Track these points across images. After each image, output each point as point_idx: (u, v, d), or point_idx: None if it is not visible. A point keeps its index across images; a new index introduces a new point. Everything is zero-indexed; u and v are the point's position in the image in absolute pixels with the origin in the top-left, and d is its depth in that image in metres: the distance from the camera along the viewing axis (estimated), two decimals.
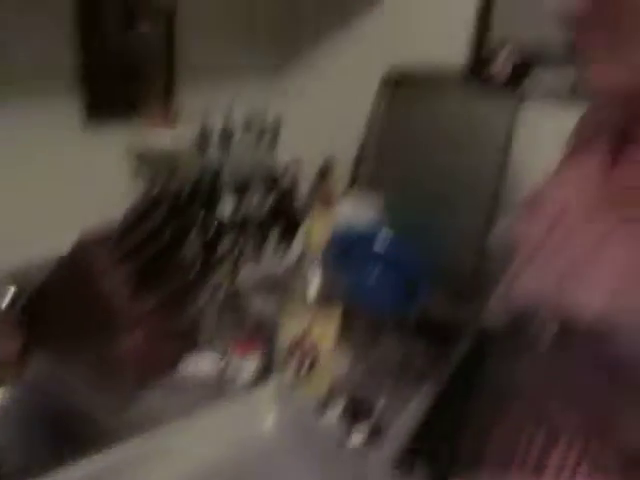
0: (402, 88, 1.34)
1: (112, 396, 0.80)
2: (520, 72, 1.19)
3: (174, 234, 0.74)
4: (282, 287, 0.75)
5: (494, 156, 1.20)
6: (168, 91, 1.19)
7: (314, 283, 0.73)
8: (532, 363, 0.64)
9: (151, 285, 0.77)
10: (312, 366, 0.75)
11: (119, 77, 1.09)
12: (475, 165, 1.24)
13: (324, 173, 1.35)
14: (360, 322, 0.92)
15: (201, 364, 0.86)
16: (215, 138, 1.17)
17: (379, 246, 1.00)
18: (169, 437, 0.67)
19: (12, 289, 0.84)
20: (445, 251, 1.15)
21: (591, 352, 0.54)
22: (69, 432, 0.80)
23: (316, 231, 0.71)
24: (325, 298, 0.73)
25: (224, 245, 0.83)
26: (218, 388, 0.84)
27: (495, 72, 1.22)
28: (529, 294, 0.58)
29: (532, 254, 0.61)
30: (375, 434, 0.78)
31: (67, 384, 0.82)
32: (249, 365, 0.87)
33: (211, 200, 0.81)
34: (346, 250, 0.90)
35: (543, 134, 0.75)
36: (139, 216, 0.75)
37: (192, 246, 0.73)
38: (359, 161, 1.37)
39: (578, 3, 0.50)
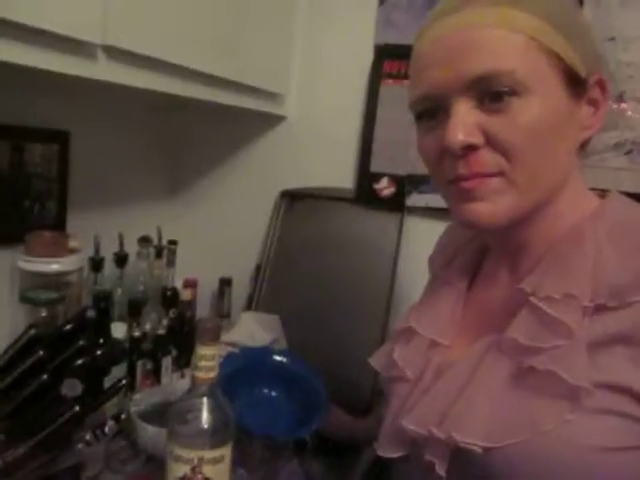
0: (296, 205, 1.42)
1: None
2: (400, 196, 1.31)
3: (55, 370, 0.71)
4: (172, 421, 0.72)
5: (384, 267, 1.28)
6: (60, 217, 1.17)
7: (204, 416, 0.71)
8: None
9: (28, 427, 0.72)
10: None
11: (8, 200, 1.07)
12: (367, 277, 1.31)
13: (221, 293, 1.36)
14: (257, 447, 0.90)
15: None
16: (108, 261, 1.16)
17: (275, 364, 1.00)
18: None
19: None
20: (345, 364, 1.18)
21: (480, 469, 0.56)
22: None
23: (205, 364, 0.71)
24: (217, 432, 0.72)
25: (116, 372, 0.80)
26: None
27: (380, 192, 1.32)
28: (417, 429, 0.60)
29: (414, 385, 0.64)
30: None
31: None
32: None
33: (102, 326, 0.79)
34: (240, 370, 0.90)
35: (425, 244, 0.82)
36: (18, 355, 0.72)
37: (74, 386, 0.70)
38: (255, 280, 1.40)
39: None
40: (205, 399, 0.71)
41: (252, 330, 1.17)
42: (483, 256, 0.73)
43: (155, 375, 1.13)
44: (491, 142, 0.55)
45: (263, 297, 1.36)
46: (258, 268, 1.42)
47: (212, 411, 0.71)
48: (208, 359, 0.71)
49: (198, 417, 0.70)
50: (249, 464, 0.89)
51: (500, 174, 0.56)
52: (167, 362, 1.15)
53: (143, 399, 1.00)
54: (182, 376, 1.17)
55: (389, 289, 1.27)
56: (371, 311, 1.28)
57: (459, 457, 0.57)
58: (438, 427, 0.57)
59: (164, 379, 1.14)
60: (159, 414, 0.97)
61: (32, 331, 0.68)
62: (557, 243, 0.59)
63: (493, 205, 0.56)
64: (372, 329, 1.25)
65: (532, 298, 0.56)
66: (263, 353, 1.02)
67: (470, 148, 0.55)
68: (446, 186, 0.60)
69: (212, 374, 0.71)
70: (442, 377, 0.62)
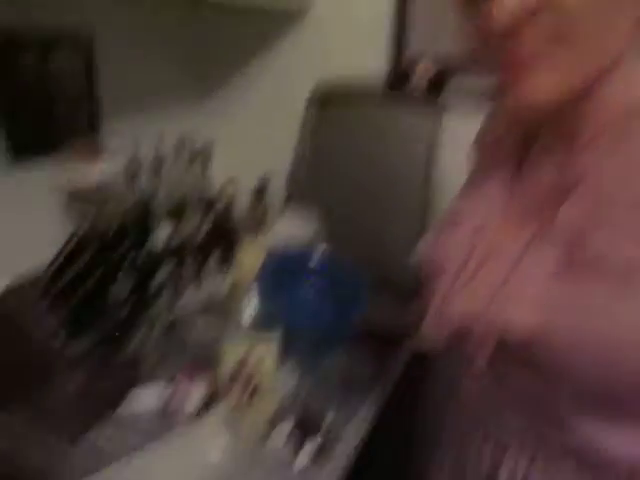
0: (327, 106, 1.38)
1: (56, 440, 0.78)
2: (438, 83, 1.24)
3: (104, 272, 0.74)
4: (220, 315, 0.76)
5: (420, 165, 1.25)
6: (92, 123, 1.17)
7: (251, 306, 0.74)
8: (473, 379, 0.67)
9: (85, 325, 0.76)
10: (255, 390, 0.76)
11: (40, 113, 1.07)
12: (404, 171, 1.29)
13: (260, 192, 1.37)
14: (302, 340, 0.93)
15: (145, 398, 0.85)
16: (145, 167, 1.17)
17: (315, 262, 1.02)
18: (118, 475, 0.66)
19: None
20: (384, 261, 1.19)
21: (528, 362, 0.57)
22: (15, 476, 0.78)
23: (250, 254, 0.72)
24: (263, 320, 0.75)
25: (161, 274, 0.83)
26: (164, 421, 0.84)
27: (414, 85, 1.26)
28: (461, 315, 0.59)
29: (457, 273, 0.63)
30: (323, 451, 0.79)
31: (10, 433, 0.80)
32: (195, 394, 0.87)
33: (144, 231, 0.81)
34: (282, 269, 0.92)
35: (465, 140, 0.79)
36: (68, 258, 0.75)
37: (124, 282, 0.73)
38: (292, 179, 1.39)
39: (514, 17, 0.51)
40: (249, 295, 0.74)
41: (291, 230, 1.18)
42: (529, 143, 0.70)
43: (198, 277, 1.17)
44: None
45: (301, 196, 1.36)
46: (294, 168, 1.40)
47: (258, 303, 0.74)
48: (252, 251, 0.72)
49: (245, 310, 0.73)
50: (294, 356, 0.94)
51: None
52: (209, 264, 1.18)
53: (191, 297, 1.04)
54: (224, 278, 1.21)
55: (426, 183, 1.25)
56: (408, 206, 1.27)
57: (502, 346, 0.57)
58: (484, 313, 0.57)
59: (207, 280, 1.18)
60: (207, 310, 1.01)
61: (78, 235, 0.70)
62: (616, 121, 0.55)
63: (547, 80, 0.52)
64: (410, 223, 1.24)
65: (583, 181, 0.54)
66: (303, 252, 1.04)
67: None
68: (494, 65, 0.56)
69: (257, 267, 0.73)
70: (487, 264, 0.61)
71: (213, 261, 1.20)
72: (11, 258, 0.86)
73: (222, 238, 1.22)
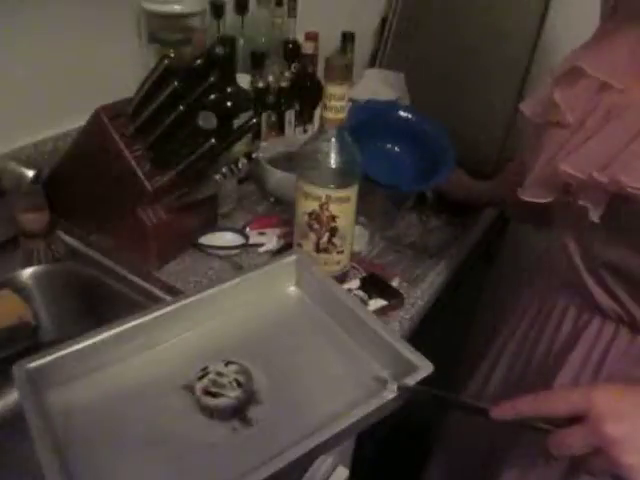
0: None
1: (137, 267, 0.83)
2: None
3: (188, 106, 0.72)
4: (301, 161, 0.74)
5: (527, 23, 1.12)
6: None
7: (332, 157, 0.71)
8: (565, 246, 0.64)
9: (169, 158, 0.77)
10: (330, 240, 0.76)
11: None
12: (507, 35, 1.17)
13: (345, 46, 1.28)
14: (379, 197, 0.91)
15: (222, 238, 0.87)
16: (228, 9, 1.11)
17: (401, 119, 0.96)
18: (194, 307, 0.69)
19: (32, 170, 0.85)
20: (472, 126, 1.12)
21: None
22: (97, 303, 0.84)
23: (334, 104, 0.68)
24: (344, 174, 0.72)
25: (242, 118, 0.81)
26: (239, 261, 0.86)
27: None
28: (576, 173, 0.56)
29: (575, 129, 0.58)
30: (385, 312, 0.80)
31: (95, 256, 0.85)
32: (269, 239, 0.89)
33: (228, 70, 0.77)
34: (368, 121, 0.87)
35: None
36: (152, 89, 0.73)
37: (207, 119, 0.72)
38: (380, 35, 1.29)
39: None
40: (334, 140, 0.71)
41: (375, 87, 1.12)
42: None
43: (279, 128, 1.15)
44: None
45: (388, 54, 1.27)
46: (383, 22, 1.30)
47: (340, 152, 0.71)
48: (337, 98, 0.68)
49: (327, 157, 0.71)
50: (370, 213, 0.92)
51: None
52: (290, 116, 1.15)
53: (269, 147, 1.03)
54: (304, 131, 1.18)
55: (531, 49, 1.13)
56: (507, 74, 1.17)
57: (616, 204, 0.53)
58: (602, 171, 0.53)
59: (287, 132, 1.16)
60: (286, 161, 1.00)
61: (166, 61, 0.68)
62: None
63: None
64: (506, 93, 1.15)
65: None
66: (389, 107, 0.98)
67: None
68: None
69: (341, 115, 0.69)
70: (611, 122, 0.55)
71: (292, 112, 1.17)
72: (96, 90, 0.86)
73: (304, 89, 1.17)
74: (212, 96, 0.71)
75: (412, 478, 1.00)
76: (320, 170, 0.72)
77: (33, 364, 0.59)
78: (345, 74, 0.67)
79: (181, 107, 0.68)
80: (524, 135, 0.71)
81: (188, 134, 0.72)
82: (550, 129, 0.61)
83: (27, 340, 0.81)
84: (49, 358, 0.60)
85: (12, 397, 0.82)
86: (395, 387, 0.57)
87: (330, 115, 0.69)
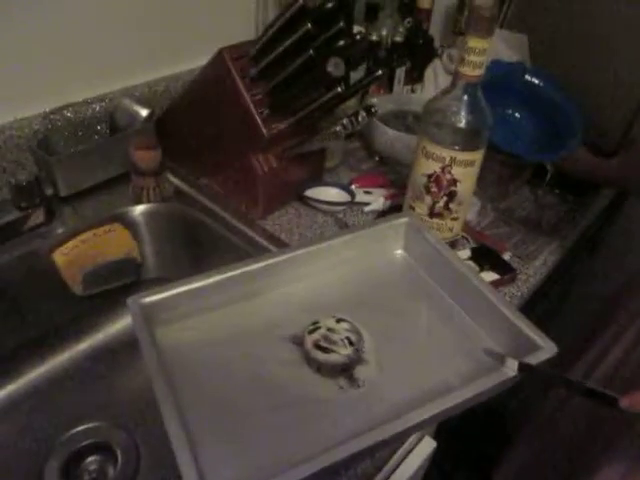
0: None
1: (242, 213, 0.82)
2: None
3: (320, 48, 0.69)
4: (426, 118, 0.69)
5: None
6: None
7: (462, 116, 0.67)
8: None
9: (288, 105, 0.74)
10: (447, 205, 0.72)
11: None
12: None
13: (461, 5, 1.21)
14: (496, 164, 0.86)
15: (327, 193, 0.85)
16: None
17: (527, 84, 0.89)
18: (301, 260, 0.68)
19: (146, 109, 0.85)
20: (597, 100, 1.03)
21: None
22: (200, 245, 0.84)
23: (474, 59, 0.63)
24: (472, 136, 0.68)
25: (359, 70, 0.77)
26: (343, 218, 0.84)
27: None
28: None
29: None
30: (501, 284, 0.76)
31: (202, 199, 0.85)
32: (375, 199, 0.86)
33: (348, 20, 0.73)
34: (487, 86, 0.81)
35: None
36: (284, 28, 0.71)
37: (338, 65, 0.68)
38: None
39: None
40: (466, 98, 0.66)
41: (496, 49, 1.04)
42: None
43: (388, 85, 1.10)
44: None
45: (511, 15, 1.18)
46: None
47: (471, 112, 0.66)
48: (478, 54, 0.63)
49: (456, 116, 0.66)
50: (484, 181, 0.87)
51: None
52: (400, 73, 1.10)
53: (379, 104, 0.98)
54: (413, 90, 1.13)
55: None
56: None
57: None
58: None
59: (396, 90, 1.11)
60: (394, 119, 0.96)
61: (301, 1, 0.65)
62: None
63: None
64: (637, 66, 1.04)
65: None
66: (515, 70, 0.91)
67: None
68: None
69: (479, 72, 0.64)
70: None
71: (402, 73, 1.12)
72: (212, 34, 0.84)
73: (416, 46, 1.12)
74: (341, 42, 0.68)
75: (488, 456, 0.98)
76: (447, 129, 0.67)
77: (147, 299, 0.60)
78: (490, 26, 0.61)
79: (311, 51, 0.65)
80: None
81: (311, 80, 0.69)
82: None
83: (131, 276, 0.83)
84: (162, 295, 0.60)
85: (113, 328, 0.85)
86: (516, 365, 0.54)
87: (467, 71, 0.64)
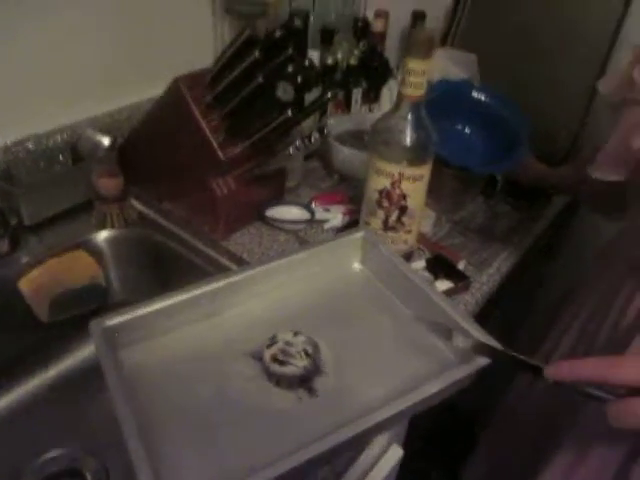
0: None
1: (204, 235, 0.84)
2: None
3: (269, 75, 0.72)
4: (375, 137, 0.73)
5: (608, 22, 1.07)
6: None
7: (408, 134, 0.70)
8: None
9: (244, 129, 0.77)
10: (399, 219, 0.75)
11: None
12: (586, 18, 1.11)
13: (414, 26, 1.26)
14: (449, 178, 0.90)
15: (288, 212, 0.88)
16: None
17: (474, 100, 0.94)
18: (260, 277, 0.70)
19: (108, 138, 0.88)
20: (545, 113, 1.08)
21: None
22: (165, 268, 0.86)
23: (414, 80, 0.67)
24: (418, 152, 0.71)
25: (312, 94, 0.80)
26: (303, 236, 0.87)
27: None
28: None
29: None
30: (456, 292, 0.79)
31: (165, 223, 0.87)
32: (334, 216, 0.89)
33: (300, 46, 0.77)
34: (437, 103, 0.85)
35: None
36: (234, 57, 0.74)
37: (287, 90, 0.72)
38: (453, 15, 1.26)
39: None
40: (410, 117, 0.69)
41: (446, 68, 1.09)
42: None
43: (345, 106, 1.14)
44: None
45: (460, 34, 1.24)
46: (457, 1, 1.27)
47: (416, 129, 0.70)
48: (417, 75, 0.67)
49: (402, 134, 0.70)
50: (438, 194, 0.91)
51: None
52: (357, 94, 1.14)
53: (336, 124, 1.02)
54: (370, 110, 1.17)
55: (613, 30, 1.08)
56: (584, 60, 1.12)
57: None
58: None
59: (353, 110, 1.15)
60: (352, 138, 1.00)
61: (248, 31, 0.68)
62: None
63: None
64: (583, 78, 1.10)
65: None
66: (462, 86, 0.96)
67: None
68: None
69: (420, 92, 0.68)
70: None
71: (360, 90, 1.16)
72: (171, 61, 0.87)
73: (371, 71, 1.16)
74: (290, 68, 0.71)
75: (458, 460, 1.00)
76: (394, 147, 0.71)
77: (109, 322, 0.61)
78: (429, 49, 0.65)
79: (260, 78, 0.68)
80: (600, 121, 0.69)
81: (264, 105, 0.72)
82: (627, 107, 0.59)
83: (97, 301, 0.84)
84: (124, 317, 0.62)
85: (82, 353, 0.86)
86: (460, 339, 0.57)
87: (409, 91, 0.68)
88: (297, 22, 0.73)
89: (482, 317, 0.85)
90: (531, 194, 0.98)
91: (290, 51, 0.72)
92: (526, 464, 0.77)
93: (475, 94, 0.94)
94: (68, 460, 0.73)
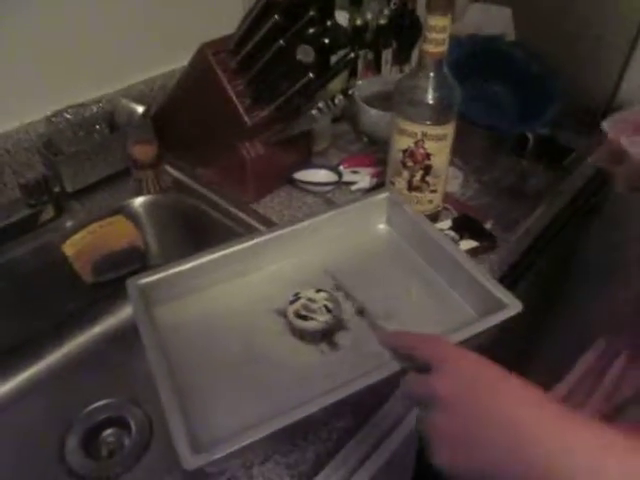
0: None
1: (235, 199, 0.87)
2: None
3: (290, 38, 0.73)
4: (398, 96, 0.73)
5: None
6: None
7: (430, 93, 0.70)
8: None
9: (269, 93, 0.78)
10: (424, 179, 0.76)
11: None
12: None
13: None
14: (477, 137, 0.89)
15: (316, 175, 0.89)
16: None
17: (505, 56, 0.92)
18: (287, 238, 0.72)
19: (142, 107, 0.91)
20: (581, 71, 1.04)
21: None
22: (199, 231, 0.90)
23: (435, 37, 0.67)
24: (441, 110, 0.71)
25: (339, 55, 0.81)
26: (332, 198, 0.88)
27: None
28: None
29: None
30: (481, 251, 0.79)
31: (198, 187, 0.91)
32: (362, 178, 0.90)
33: (327, 6, 0.77)
34: (467, 59, 0.84)
35: None
36: (256, 21, 0.75)
37: (307, 52, 0.72)
38: None
39: None
40: (432, 75, 0.69)
41: (480, 22, 1.07)
42: None
43: (375, 67, 1.13)
44: None
45: None
46: None
47: (438, 88, 0.69)
48: (439, 31, 0.66)
49: (424, 92, 0.70)
50: (466, 154, 0.90)
51: None
52: (387, 54, 1.13)
53: (365, 86, 1.02)
54: (401, 71, 1.16)
55: None
56: (624, 16, 1.06)
57: None
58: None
59: (383, 71, 1.14)
60: (381, 100, 0.99)
61: (263, 1, 0.69)
62: None
63: None
64: (625, 28, 1.05)
65: None
66: (492, 42, 0.94)
67: None
68: None
69: (441, 48, 0.68)
70: None
71: (389, 54, 1.14)
72: (203, 28, 0.89)
73: (403, 27, 1.14)
74: (311, 30, 0.71)
75: None
76: (417, 106, 0.71)
77: (144, 280, 0.65)
78: (447, 4, 0.64)
79: (281, 41, 0.69)
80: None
81: (287, 69, 0.73)
82: None
83: (136, 263, 0.89)
84: (158, 276, 0.66)
85: (125, 312, 0.91)
86: None
87: (430, 48, 0.67)
88: None
89: (513, 280, 0.85)
90: (562, 154, 0.96)
91: (312, 13, 0.72)
92: None
93: (506, 50, 0.92)
94: (114, 410, 0.79)
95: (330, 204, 0.87)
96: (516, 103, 0.93)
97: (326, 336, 0.62)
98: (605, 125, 0.56)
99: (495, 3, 1.15)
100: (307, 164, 0.91)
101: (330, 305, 0.62)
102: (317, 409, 0.51)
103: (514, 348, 1.14)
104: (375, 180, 0.89)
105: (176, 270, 0.67)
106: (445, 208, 0.84)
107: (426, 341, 0.44)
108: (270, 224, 0.83)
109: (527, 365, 1.14)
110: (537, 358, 1.36)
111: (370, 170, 0.92)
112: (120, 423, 0.78)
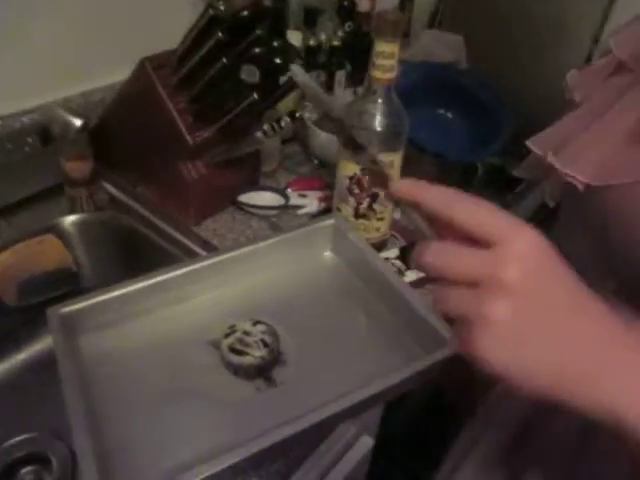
0: None
1: (176, 221, 0.83)
2: None
3: (234, 58, 0.70)
4: (345, 121, 0.71)
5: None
6: None
7: (378, 119, 0.68)
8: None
9: (213, 112, 0.75)
10: (371, 206, 0.74)
11: None
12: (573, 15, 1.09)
13: (402, 7, 1.23)
14: (426, 165, 0.88)
15: (262, 197, 0.86)
16: None
17: (457, 83, 0.91)
18: (228, 263, 0.69)
19: (80, 120, 0.86)
20: (532, 98, 1.05)
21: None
22: (135, 253, 0.85)
23: (383, 63, 0.65)
24: (389, 137, 0.69)
25: (289, 75, 0.78)
26: (277, 222, 0.85)
27: None
28: (537, 150, 0.57)
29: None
30: (428, 282, 0.77)
31: (136, 207, 0.86)
32: (309, 202, 0.87)
33: (277, 25, 0.75)
34: (418, 86, 0.83)
35: None
36: (199, 37, 0.72)
37: (252, 72, 0.69)
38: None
39: None
40: (380, 101, 0.67)
41: (432, 49, 1.07)
42: None
43: (328, 88, 1.12)
44: None
45: (447, 16, 1.21)
46: None
47: (387, 114, 0.68)
48: (386, 57, 0.65)
49: (372, 119, 0.68)
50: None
51: None
52: (340, 76, 1.12)
53: (316, 108, 1.00)
54: (354, 93, 1.15)
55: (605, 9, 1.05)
56: (573, 43, 1.09)
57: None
58: (554, 155, 0.53)
59: (336, 93, 1.12)
60: (332, 122, 0.97)
61: (211, 11, 0.66)
62: None
63: None
64: (575, 58, 1.07)
65: None
66: (444, 69, 0.93)
67: None
68: None
69: (390, 75, 0.66)
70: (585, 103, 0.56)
71: (343, 76, 1.13)
72: (145, 42, 0.85)
73: (357, 49, 1.13)
74: (257, 50, 0.69)
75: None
76: (364, 132, 0.69)
77: (67, 309, 0.60)
78: (395, 30, 0.63)
79: (224, 59, 0.66)
80: None
81: (232, 88, 0.70)
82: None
83: (67, 285, 0.83)
84: (83, 304, 0.61)
85: (49, 340, 0.85)
86: None
87: (378, 74, 0.66)
88: (268, 2, 0.71)
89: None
90: (513, 182, 0.96)
91: (258, 32, 0.69)
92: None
93: (459, 78, 0.92)
94: (34, 445, 0.73)
95: (275, 228, 0.84)
96: (466, 131, 0.93)
97: (262, 372, 0.58)
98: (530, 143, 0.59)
99: (448, 30, 1.16)
100: (254, 185, 0.88)
101: (267, 339, 0.59)
102: (244, 456, 0.47)
103: None
104: (323, 205, 0.87)
105: (105, 297, 0.62)
106: (393, 236, 0.82)
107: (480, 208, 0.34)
108: (211, 248, 0.79)
109: None
110: None
111: (318, 194, 0.89)
112: (40, 460, 0.72)
